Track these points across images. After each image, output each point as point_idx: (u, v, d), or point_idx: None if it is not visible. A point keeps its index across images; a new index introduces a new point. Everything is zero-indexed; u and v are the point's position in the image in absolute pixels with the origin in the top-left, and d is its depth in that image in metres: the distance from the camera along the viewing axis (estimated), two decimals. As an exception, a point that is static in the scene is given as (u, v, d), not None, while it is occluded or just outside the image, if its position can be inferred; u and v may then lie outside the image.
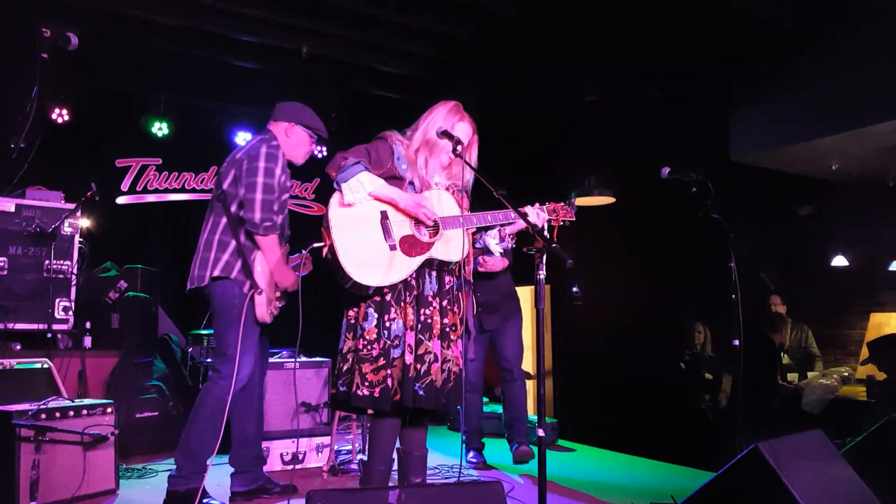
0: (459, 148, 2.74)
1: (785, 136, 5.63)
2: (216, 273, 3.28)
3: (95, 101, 6.13)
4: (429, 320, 2.75)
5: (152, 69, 6.17)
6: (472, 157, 2.94)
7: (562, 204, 3.03)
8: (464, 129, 2.89)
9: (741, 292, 3.57)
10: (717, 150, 5.91)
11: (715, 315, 5.63)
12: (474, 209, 2.93)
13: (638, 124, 5.80)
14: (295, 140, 3.54)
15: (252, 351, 3.34)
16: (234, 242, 3.31)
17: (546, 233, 2.82)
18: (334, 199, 2.70)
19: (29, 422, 3.18)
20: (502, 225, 2.91)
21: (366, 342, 2.70)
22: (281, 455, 4.33)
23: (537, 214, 2.91)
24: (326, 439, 4.40)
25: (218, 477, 3.67)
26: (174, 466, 3.28)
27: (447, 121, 2.87)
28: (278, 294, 3.40)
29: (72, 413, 3.38)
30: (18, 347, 4.60)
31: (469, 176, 2.91)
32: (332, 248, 2.64)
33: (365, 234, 2.69)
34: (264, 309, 3.31)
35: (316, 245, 2.78)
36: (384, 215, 2.73)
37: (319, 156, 7.11)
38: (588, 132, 5.95)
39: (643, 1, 4.86)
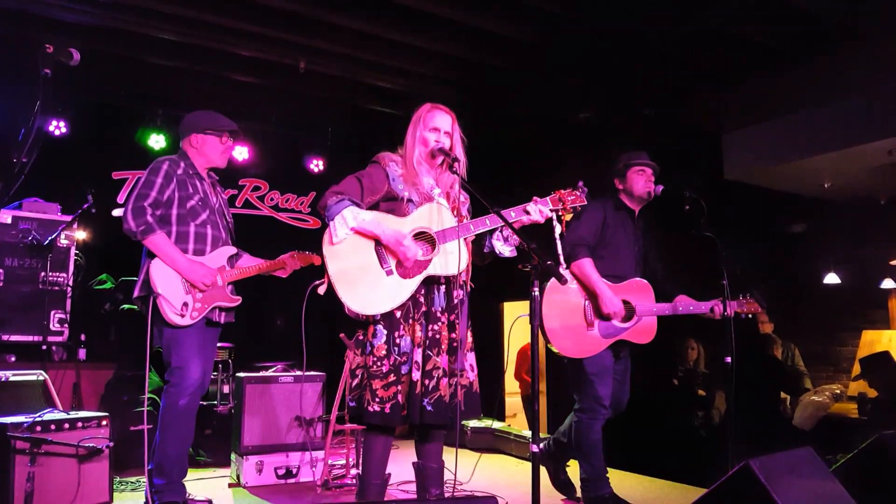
0: (456, 166, 2.79)
1: (777, 154, 5.70)
2: (136, 293, 3.39)
3: (93, 113, 6.17)
4: (437, 335, 2.77)
5: (150, 83, 6.20)
6: (456, 142, 2.95)
7: (569, 190, 2.88)
8: (442, 119, 2.92)
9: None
10: (711, 169, 5.98)
11: (708, 332, 5.67)
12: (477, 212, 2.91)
13: (633, 142, 5.85)
14: (204, 147, 3.60)
15: (196, 355, 3.38)
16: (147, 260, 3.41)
17: (556, 223, 2.78)
18: (325, 237, 2.73)
19: (24, 434, 3.18)
20: (503, 226, 2.84)
21: (376, 359, 2.72)
22: (275, 469, 4.33)
23: (539, 211, 2.82)
24: (320, 453, 4.41)
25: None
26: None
27: (425, 120, 2.91)
28: (199, 293, 3.38)
29: (67, 425, 3.38)
30: (13, 359, 4.60)
31: (463, 174, 2.86)
32: (330, 284, 2.69)
33: (360, 264, 2.72)
34: (171, 311, 3.30)
35: (316, 283, 2.80)
36: (378, 241, 2.75)
37: (316, 170, 7.17)
38: (583, 150, 6.01)
39: (638, 23, 4.92)
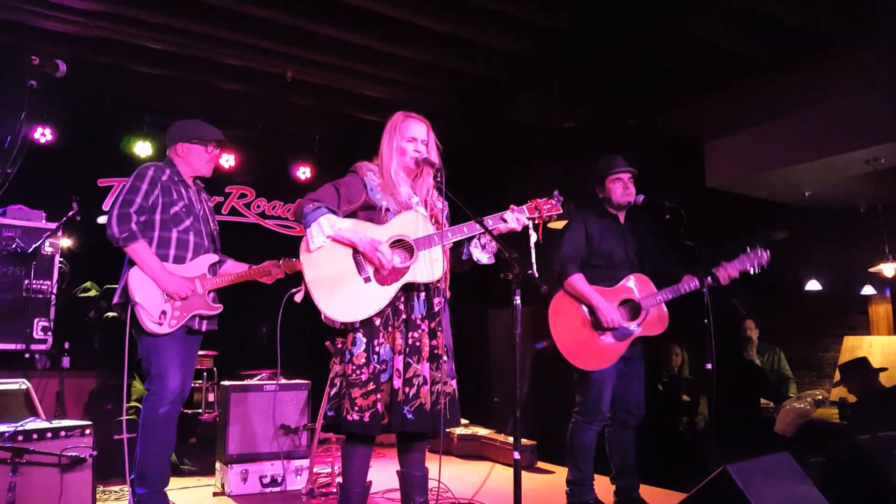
0: (440, 176, 2.81)
1: (759, 162, 5.76)
2: (116, 300, 3.43)
3: (79, 120, 6.15)
4: (417, 343, 2.78)
5: (136, 90, 6.21)
6: (432, 149, 2.97)
7: (544, 199, 2.91)
8: (418, 128, 2.95)
9: (715, 317, 3.65)
10: (694, 176, 6.04)
11: (691, 338, 5.72)
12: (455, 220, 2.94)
13: (616, 150, 5.91)
14: (189, 156, 3.62)
15: (175, 363, 3.40)
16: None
17: (532, 232, 2.83)
18: (303, 245, 2.74)
19: (5, 443, 3.16)
20: (481, 234, 2.86)
21: (355, 367, 2.73)
22: (260, 478, 4.32)
23: (516, 219, 2.85)
24: (305, 462, 4.41)
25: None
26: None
27: (401, 131, 2.93)
28: (178, 302, 3.41)
29: (49, 434, 3.35)
30: (-4, 368, 4.58)
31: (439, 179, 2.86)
32: (307, 292, 2.71)
33: (337, 271, 2.73)
34: (149, 319, 3.34)
35: (293, 291, 2.82)
36: (356, 249, 2.77)
37: (303, 177, 7.18)
38: (567, 158, 6.05)
39: (621, 33, 4.99)
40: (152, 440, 3.36)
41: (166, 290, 3.37)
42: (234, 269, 3.66)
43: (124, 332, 3.32)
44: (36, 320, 4.73)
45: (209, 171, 3.70)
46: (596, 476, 3.89)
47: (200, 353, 4.86)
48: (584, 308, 3.75)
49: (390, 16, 4.82)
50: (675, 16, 4.70)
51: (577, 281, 3.75)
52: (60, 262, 4.98)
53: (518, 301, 2.44)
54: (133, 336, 3.40)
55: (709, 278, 3.68)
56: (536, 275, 2.46)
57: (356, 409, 2.68)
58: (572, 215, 3.91)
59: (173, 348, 3.40)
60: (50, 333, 4.80)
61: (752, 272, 3.76)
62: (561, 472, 5.08)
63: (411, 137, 2.93)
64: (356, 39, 5.20)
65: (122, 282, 3.38)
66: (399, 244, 2.81)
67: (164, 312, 3.37)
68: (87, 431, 3.54)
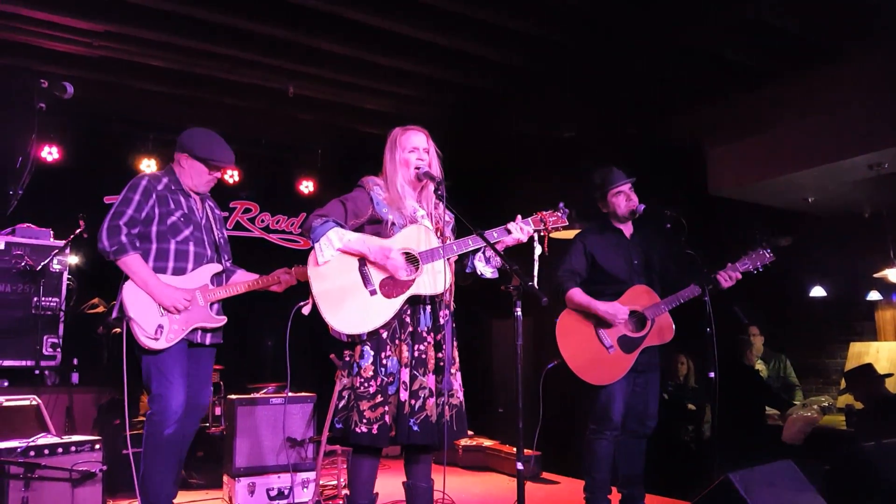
0: (441, 189, 2.85)
1: (761, 169, 5.77)
2: (114, 315, 3.28)
3: (85, 138, 6.22)
4: (423, 355, 2.81)
5: (141, 108, 6.27)
6: (433, 156, 3.01)
7: (550, 211, 2.94)
8: (417, 138, 2.99)
9: (718, 325, 3.66)
10: (696, 184, 6.06)
11: (696, 347, 5.73)
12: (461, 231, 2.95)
13: (617, 160, 5.94)
14: (190, 170, 3.46)
15: (178, 380, 3.22)
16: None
17: (537, 244, 2.84)
18: (311, 259, 2.78)
19: (18, 459, 3.20)
20: (485, 247, 2.88)
21: (363, 380, 2.75)
22: (267, 490, 4.34)
23: (521, 229, 2.89)
24: (312, 474, 4.42)
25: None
26: None
27: (402, 143, 2.97)
28: (176, 315, 3.24)
29: (60, 450, 3.40)
30: (6, 384, 4.62)
31: (443, 191, 2.89)
32: (315, 305, 2.74)
33: (344, 284, 2.76)
34: (144, 334, 3.17)
35: (301, 304, 2.84)
36: (362, 262, 2.81)
37: (306, 191, 7.23)
38: (567, 168, 6.08)
39: (620, 43, 5.02)
40: (156, 460, 3.19)
41: (161, 303, 3.20)
42: (242, 280, 3.51)
43: (132, 347, 3.24)
44: (45, 337, 4.78)
45: (206, 191, 3.57)
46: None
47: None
48: (591, 324, 3.75)
49: (389, 30, 4.87)
50: (673, 25, 4.73)
51: (576, 294, 3.76)
52: (68, 279, 5.03)
53: (519, 312, 2.47)
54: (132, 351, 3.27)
55: (710, 285, 3.65)
56: (536, 286, 2.49)
57: (364, 421, 2.71)
58: (574, 236, 3.92)
59: (174, 364, 3.22)
60: (59, 350, 4.85)
61: (755, 272, 3.74)
62: (566, 483, 5.09)
63: (413, 147, 2.97)
64: (356, 54, 5.24)
65: (119, 297, 3.24)
66: (405, 257, 2.84)
67: (160, 327, 3.20)
68: (97, 446, 3.59)
